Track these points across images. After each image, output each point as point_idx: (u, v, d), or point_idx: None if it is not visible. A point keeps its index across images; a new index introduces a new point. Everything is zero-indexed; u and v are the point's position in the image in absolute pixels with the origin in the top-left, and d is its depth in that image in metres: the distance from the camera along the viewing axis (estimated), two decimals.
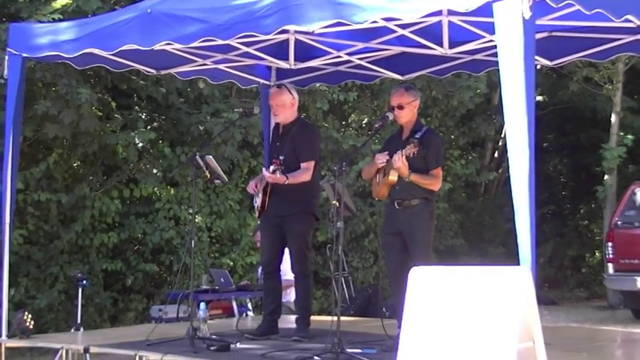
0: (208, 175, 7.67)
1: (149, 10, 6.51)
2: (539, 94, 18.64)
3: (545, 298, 16.74)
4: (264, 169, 7.53)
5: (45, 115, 11.18)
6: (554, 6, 5.26)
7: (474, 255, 17.33)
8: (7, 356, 7.65)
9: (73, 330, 8.93)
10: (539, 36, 7.21)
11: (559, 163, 24.07)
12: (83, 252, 12.33)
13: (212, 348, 6.79)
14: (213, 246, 13.44)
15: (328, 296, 14.34)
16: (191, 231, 7.61)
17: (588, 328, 11.70)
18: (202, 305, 7.66)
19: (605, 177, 17.69)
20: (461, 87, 15.77)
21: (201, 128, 13.02)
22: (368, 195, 14.07)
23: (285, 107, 7.64)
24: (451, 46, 8.00)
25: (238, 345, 7.05)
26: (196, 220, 12.03)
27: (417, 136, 6.98)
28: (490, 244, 18.80)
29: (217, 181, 7.99)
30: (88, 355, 7.23)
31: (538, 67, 8.70)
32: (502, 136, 19.37)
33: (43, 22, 9.33)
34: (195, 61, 8.54)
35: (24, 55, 7.35)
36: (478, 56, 8.34)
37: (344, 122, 16.43)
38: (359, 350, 6.44)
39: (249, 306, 11.27)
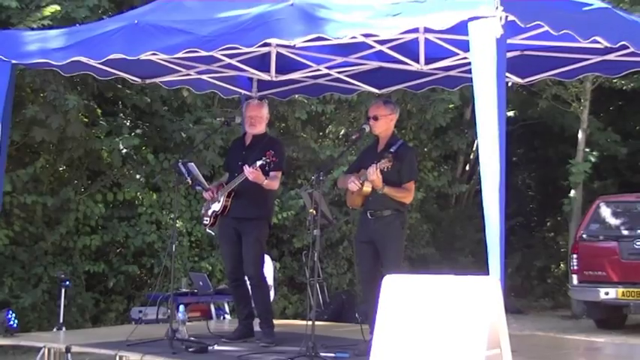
0: (190, 182, 7.66)
1: (136, 21, 6.49)
2: (510, 110, 18.70)
3: (512, 306, 16.73)
4: (245, 167, 7.32)
5: (33, 120, 11.12)
6: (523, 26, 5.30)
7: (445, 264, 17.34)
8: None
9: (55, 329, 8.89)
10: (511, 54, 7.26)
11: (527, 176, 24.14)
12: (67, 253, 12.27)
13: (190, 349, 6.77)
14: (193, 250, 13.39)
15: (303, 301, 14.31)
16: (172, 235, 7.59)
17: (553, 337, 11.71)
18: (181, 308, 7.64)
19: (572, 191, 17.75)
20: (435, 100, 15.85)
21: (184, 135, 12.99)
22: (343, 204, 14.03)
23: (263, 120, 7.77)
24: (427, 62, 8.04)
25: (216, 347, 7.03)
26: (177, 224, 12.00)
27: (391, 150, 6.98)
28: (460, 253, 18.82)
29: (198, 188, 7.96)
30: (69, 354, 7.19)
31: (510, 84, 8.77)
32: (473, 149, 19.44)
33: (33, 29, 9.27)
34: (180, 71, 8.51)
35: (13, 61, 7.31)
36: (452, 72, 8.37)
37: (321, 133, 16.42)
38: (333, 354, 6.44)
39: (227, 309, 11.23)
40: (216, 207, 7.66)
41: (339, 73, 8.68)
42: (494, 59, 5.00)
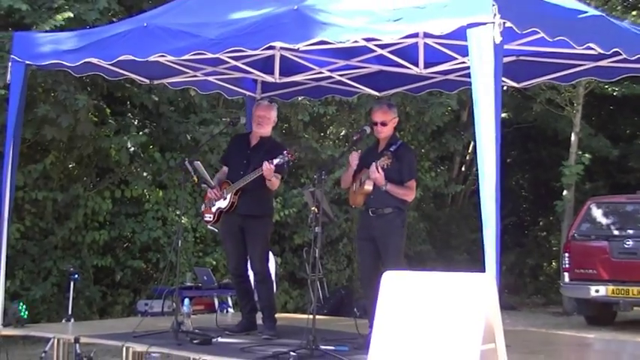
0: (196, 180, 7.65)
1: (145, 24, 6.52)
2: (505, 113, 18.71)
3: (506, 303, 16.72)
4: (266, 164, 7.21)
5: (44, 119, 11.11)
6: (520, 32, 5.30)
7: (441, 261, 17.36)
8: (1, 344, 7.60)
9: (64, 321, 8.88)
10: (507, 59, 7.26)
11: (521, 177, 24.14)
12: (76, 248, 12.26)
13: (195, 341, 6.77)
14: (197, 246, 13.38)
15: (303, 296, 14.31)
16: (178, 231, 7.61)
17: (545, 333, 11.71)
18: (186, 301, 7.64)
19: (564, 192, 17.75)
20: (433, 104, 15.86)
21: (189, 137, 12.99)
22: (343, 202, 14.07)
23: (270, 122, 7.74)
24: (426, 66, 8.03)
25: (219, 339, 7.04)
26: (183, 221, 11.99)
27: (391, 149, 6.99)
28: (455, 251, 18.85)
29: (204, 185, 7.95)
30: (78, 344, 7.18)
31: (505, 88, 8.77)
32: (469, 151, 19.46)
33: (47, 32, 9.27)
34: (187, 73, 8.51)
35: (27, 62, 7.32)
36: (451, 76, 8.38)
37: (323, 134, 16.42)
38: (332, 347, 6.43)
39: (230, 303, 11.23)
40: (222, 204, 7.61)
41: (340, 75, 8.69)
42: (492, 64, 5.00)
